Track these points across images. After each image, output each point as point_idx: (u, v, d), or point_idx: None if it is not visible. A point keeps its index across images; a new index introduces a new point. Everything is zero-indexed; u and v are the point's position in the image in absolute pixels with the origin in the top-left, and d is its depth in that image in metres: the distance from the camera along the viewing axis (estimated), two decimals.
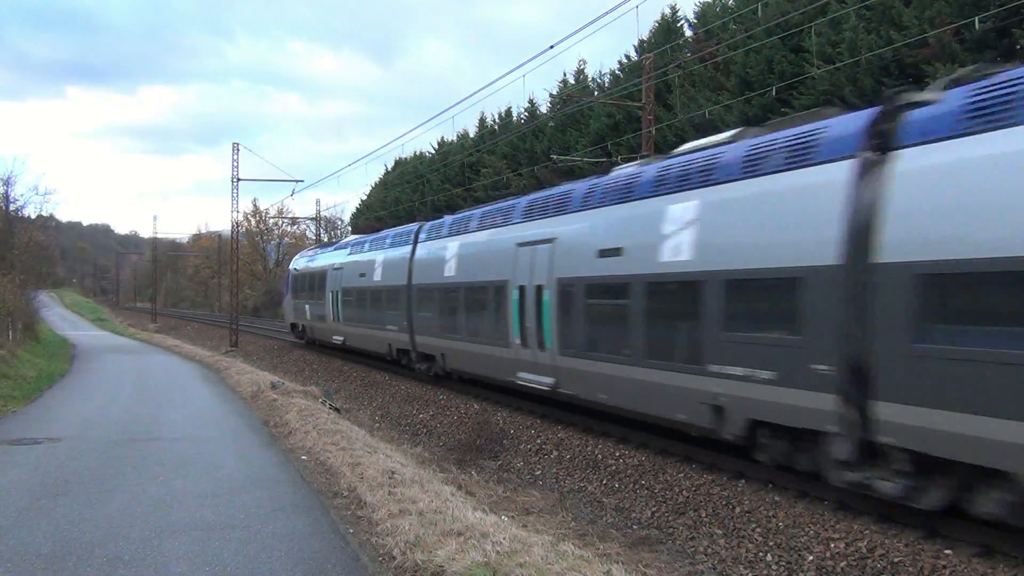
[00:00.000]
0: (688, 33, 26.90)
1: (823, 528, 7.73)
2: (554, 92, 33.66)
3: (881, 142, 7.47)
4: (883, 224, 7.12)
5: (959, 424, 6.49)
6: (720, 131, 12.45)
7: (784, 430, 8.46)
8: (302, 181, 76.02)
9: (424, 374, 18.89)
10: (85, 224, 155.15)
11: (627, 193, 11.16)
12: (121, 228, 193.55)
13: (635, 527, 9.09)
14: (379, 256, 21.66)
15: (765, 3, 21.17)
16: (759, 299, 8.75)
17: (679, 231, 9.75)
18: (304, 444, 10.93)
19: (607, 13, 17.26)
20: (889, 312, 7.03)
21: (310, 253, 32.53)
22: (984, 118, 6.60)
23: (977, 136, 6.59)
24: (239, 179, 36.85)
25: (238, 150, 36.64)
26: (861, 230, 7.34)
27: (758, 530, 8.13)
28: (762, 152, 8.91)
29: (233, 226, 39.32)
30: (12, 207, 36.24)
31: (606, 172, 12.83)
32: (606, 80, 30.57)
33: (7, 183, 35.23)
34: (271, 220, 72.52)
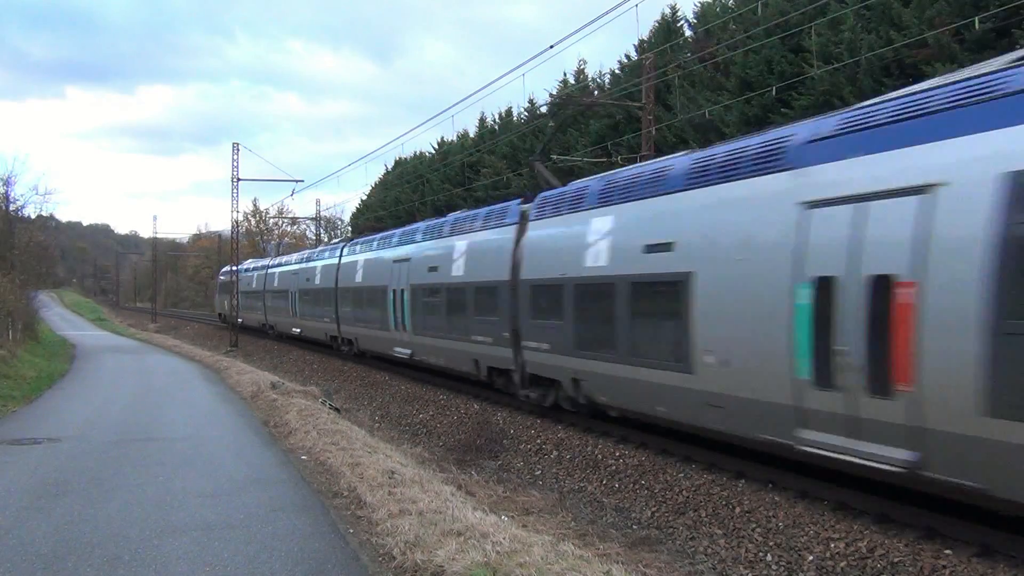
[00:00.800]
0: (688, 33, 26.90)
1: (823, 528, 7.73)
2: (554, 92, 33.64)
3: (521, 219, 14.48)
4: (520, 259, 13.88)
5: (540, 357, 13.12)
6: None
7: (500, 371, 14.98)
8: (302, 181, 75.96)
9: (349, 354, 25.35)
10: (85, 224, 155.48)
11: (439, 233, 18.24)
12: (121, 228, 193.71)
13: (635, 527, 9.09)
14: (318, 264, 28.26)
15: (765, 3, 21.17)
16: (485, 297, 15.18)
17: (459, 258, 16.59)
18: (304, 444, 10.94)
19: (607, 13, 17.27)
20: (524, 303, 13.59)
21: (252, 263, 43.90)
22: (541, 212, 13.68)
23: (540, 222, 13.62)
24: (239, 179, 36.88)
25: (238, 150, 36.67)
26: (516, 262, 14.01)
27: (758, 530, 8.13)
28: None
29: (233, 226, 39.34)
30: (12, 207, 36.28)
31: (442, 215, 20.72)
32: (606, 80, 30.57)
33: (7, 183, 35.28)
34: (271, 220, 72.63)
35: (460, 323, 16.29)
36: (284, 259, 35.82)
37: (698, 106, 23.11)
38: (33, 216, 41.10)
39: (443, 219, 19.16)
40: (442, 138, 46.25)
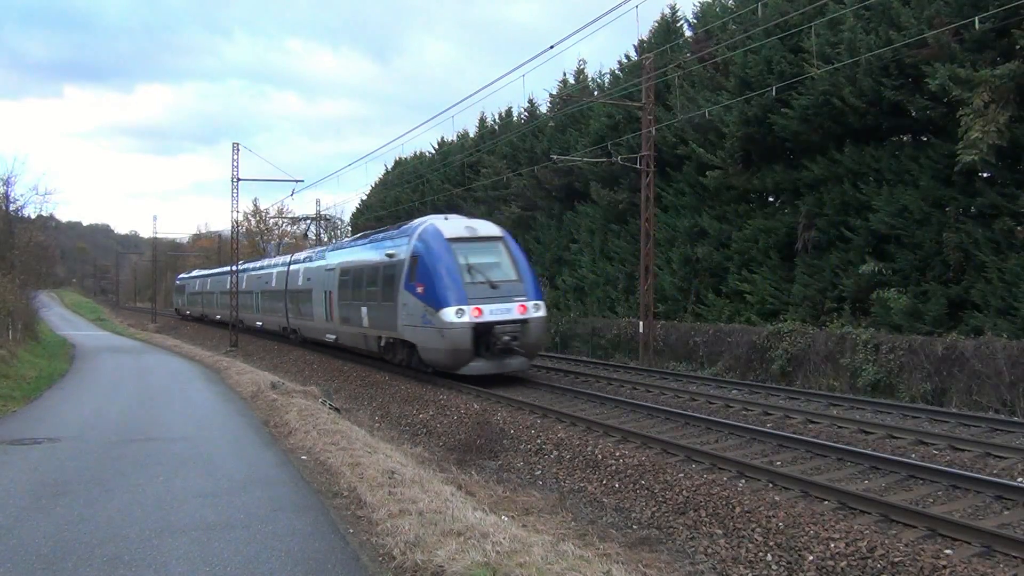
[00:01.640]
0: (688, 33, 26.89)
1: (823, 528, 7.73)
2: (554, 92, 33.64)
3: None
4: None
5: (300, 323, 29.43)
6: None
7: (292, 329, 30.84)
8: (302, 181, 75.89)
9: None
10: (85, 224, 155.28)
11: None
12: (121, 228, 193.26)
13: (635, 527, 9.10)
14: (273, 271, 34.89)
15: (764, 3, 21.17)
16: (273, 298, 33.50)
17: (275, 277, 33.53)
18: (304, 444, 10.94)
19: (607, 13, 17.29)
20: (287, 300, 31.17)
21: (197, 272, 57.96)
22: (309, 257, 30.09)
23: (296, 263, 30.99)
24: (239, 179, 36.85)
25: (238, 150, 36.64)
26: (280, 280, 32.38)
27: (758, 530, 8.13)
28: (267, 264, 37.26)
29: (233, 226, 39.31)
30: (12, 207, 36.27)
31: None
32: (606, 80, 30.57)
33: (7, 183, 35.27)
34: (271, 220, 72.64)
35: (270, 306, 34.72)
36: (249, 266, 41.42)
37: (698, 106, 23.11)
38: (33, 216, 41.15)
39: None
40: (442, 138, 46.34)
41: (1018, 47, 15.41)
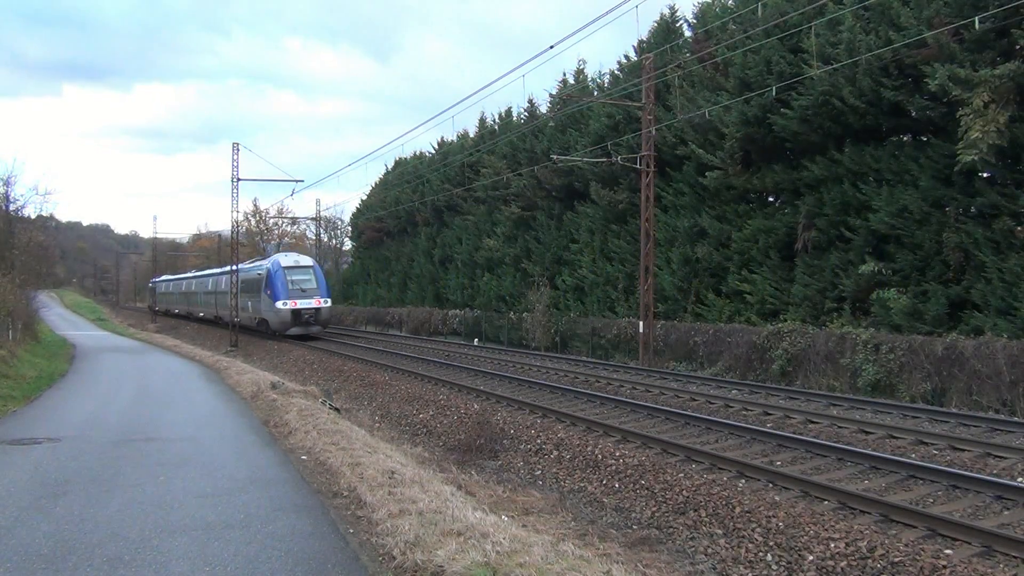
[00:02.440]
0: (687, 33, 26.89)
1: (823, 528, 7.74)
2: (554, 92, 33.65)
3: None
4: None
5: (221, 312, 44.43)
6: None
7: (218, 316, 45.61)
8: (302, 181, 76.15)
9: (216, 323, 45.85)
10: (85, 224, 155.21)
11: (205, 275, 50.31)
12: (121, 228, 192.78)
13: (635, 527, 9.10)
14: (220, 278, 45.47)
15: (764, 3, 21.17)
16: (208, 296, 49.58)
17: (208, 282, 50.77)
18: (304, 444, 10.94)
19: (607, 13, 17.30)
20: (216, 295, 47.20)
21: (169, 276, 74.21)
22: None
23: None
24: (239, 179, 36.89)
25: (238, 150, 36.68)
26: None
27: (758, 530, 8.13)
28: (211, 272, 52.04)
29: (233, 226, 39.36)
30: (12, 207, 36.26)
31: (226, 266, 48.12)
32: (606, 80, 30.57)
33: (7, 183, 35.27)
34: (271, 220, 72.71)
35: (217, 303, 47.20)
36: (193, 274, 59.65)
37: (697, 106, 23.11)
38: (33, 216, 41.14)
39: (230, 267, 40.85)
40: (442, 138, 46.35)
41: (1018, 47, 15.42)
